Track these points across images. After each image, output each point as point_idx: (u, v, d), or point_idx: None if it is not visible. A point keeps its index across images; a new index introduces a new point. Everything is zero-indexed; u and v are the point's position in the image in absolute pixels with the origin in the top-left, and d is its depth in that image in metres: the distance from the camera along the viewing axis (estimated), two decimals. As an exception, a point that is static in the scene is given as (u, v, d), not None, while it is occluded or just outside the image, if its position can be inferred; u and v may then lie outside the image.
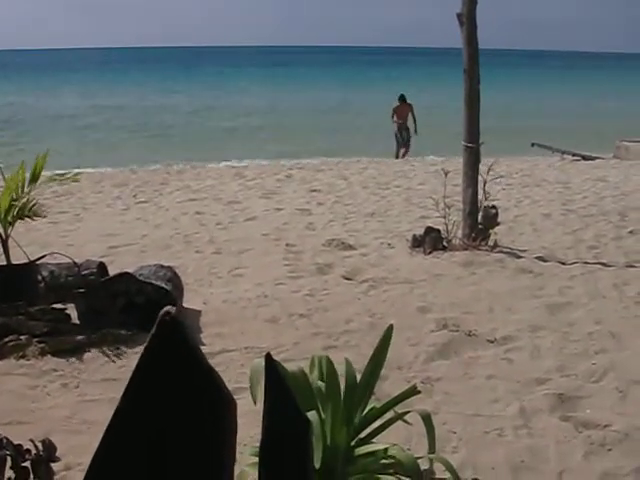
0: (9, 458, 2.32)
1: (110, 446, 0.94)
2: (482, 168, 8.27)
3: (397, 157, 19.15)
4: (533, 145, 18.20)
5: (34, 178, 5.85)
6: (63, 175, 6.42)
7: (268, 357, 1.07)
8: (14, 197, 5.80)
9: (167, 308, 0.95)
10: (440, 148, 17.62)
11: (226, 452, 1.00)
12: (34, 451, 2.44)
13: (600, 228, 9.27)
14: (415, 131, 19.07)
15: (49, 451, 2.49)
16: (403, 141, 19.28)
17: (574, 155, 17.32)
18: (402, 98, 19.31)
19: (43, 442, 2.52)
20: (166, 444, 0.94)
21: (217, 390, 0.96)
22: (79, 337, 5.22)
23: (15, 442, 2.40)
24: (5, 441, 2.34)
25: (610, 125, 22.53)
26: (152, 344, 0.95)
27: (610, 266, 7.44)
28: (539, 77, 60.23)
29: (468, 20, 8.04)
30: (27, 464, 2.39)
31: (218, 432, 0.96)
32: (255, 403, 2.74)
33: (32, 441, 2.51)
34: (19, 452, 2.37)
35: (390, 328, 3.26)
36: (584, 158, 17.11)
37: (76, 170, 7.43)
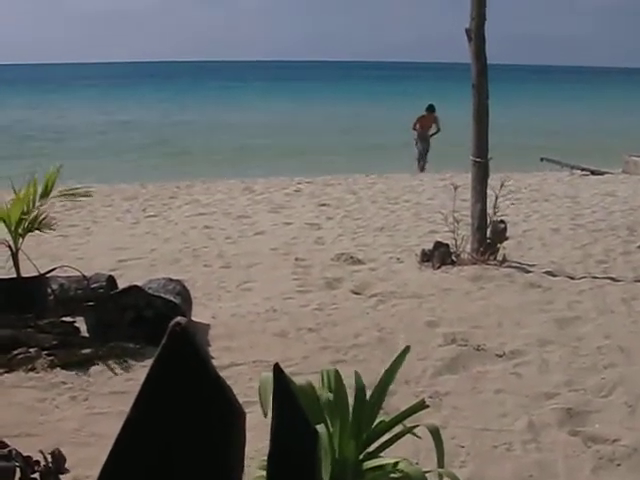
0: (18, 470, 2.33)
1: (119, 456, 0.95)
2: (491, 183, 8.28)
3: (418, 167, 18.93)
4: (542, 160, 18.18)
5: (46, 193, 5.89)
6: (75, 190, 6.45)
7: (276, 368, 1.08)
8: (25, 210, 5.84)
9: (178, 319, 0.96)
10: (449, 163, 17.63)
11: (235, 464, 1.00)
12: (43, 463, 2.45)
13: (609, 243, 9.25)
14: (431, 135, 18.87)
15: (58, 463, 2.50)
16: (421, 152, 19.07)
17: (583, 170, 17.29)
18: (431, 108, 19.07)
19: (52, 454, 2.53)
20: (175, 455, 0.95)
21: (227, 401, 0.97)
22: (88, 350, 5.24)
23: (24, 454, 2.41)
24: (15, 452, 2.35)
25: (619, 140, 22.48)
26: (162, 355, 0.96)
27: (619, 281, 7.43)
28: (547, 92, 60.24)
29: (476, 36, 8.08)
30: (36, 475, 2.40)
31: (227, 443, 0.97)
32: (265, 415, 2.74)
33: (42, 452, 2.52)
34: (28, 464, 2.38)
35: (406, 349, 3.26)
36: (593, 173, 17.08)
37: (82, 185, 7.44)
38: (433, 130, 18.89)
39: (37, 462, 2.44)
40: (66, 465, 2.77)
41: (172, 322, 0.97)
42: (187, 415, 0.96)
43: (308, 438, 1.09)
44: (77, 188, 6.64)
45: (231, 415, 0.98)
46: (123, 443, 0.95)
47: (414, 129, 19.12)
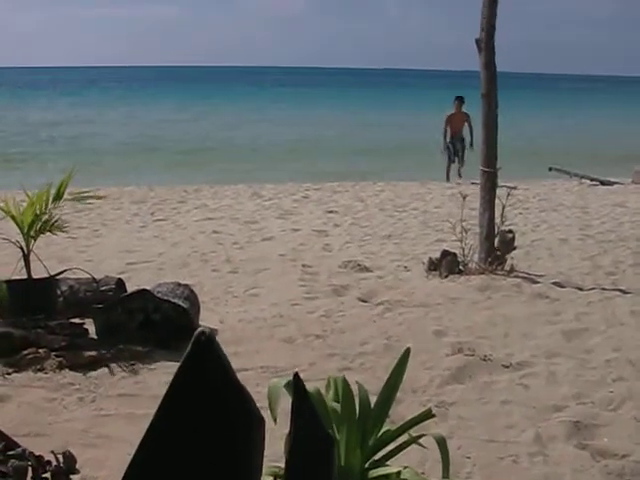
0: (30, 469, 2.36)
1: (143, 460, 0.97)
2: (499, 192, 8.29)
3: (448, 176, 17.40)
4: (551, 169, 18.16)
5: (58, 196, 5.93)
6: (86, 193, 6.48)
7: (296, 377, 1.10)
8: (37, 213, 5.88)
9: (202, 328, 0.98)
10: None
11: (255, 469, 1.02)
12: (54, 463, 2.47)
13: (618, 254, 9.23)
14: (471, 144, 16.66)
15: (69, 463, 2.52)
16: (456, 155, 17.37)
17: (592, 180, 17.26)
18: (459, 100, 17.31)
19: (63, 454, 2.55)
20: (198, 459, 0.97)
21: (248, 408, 0.99)
22: (96, 352, 5.26)
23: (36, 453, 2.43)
24: (27, 452, 2.37)
25: (628, 150, 22.45)
26: (187, 362, 0.97)
27: (628, 293, 7.41)
28: (556, 101, 60.12)
29: (486, 46, 8.10)
30: (47, 475, 2.42)
31: (248, 449, 0.99)
32: (275, 422, 2.75)
33: (53, 453, 2.54)
34: (40, 463, 2.40)
35: (407, 352, 3.26)
36: (602, 183, 17.05)
37: (92, 188, 7.49)
38: (466, 131, 17.14)
39: (49, 462, 2.46)
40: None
41: (197, 331, 0.99)
42: (210, 421, 0.98)
43: (326, 442, 1.10)
44: (88, 191, 6.67)
45: (252, 421, 1.00)
46: (147, 447, 0.97)
47: (445, 134, 17.43)
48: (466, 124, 17.21)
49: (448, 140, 17.39)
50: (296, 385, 1.10)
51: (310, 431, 1.10)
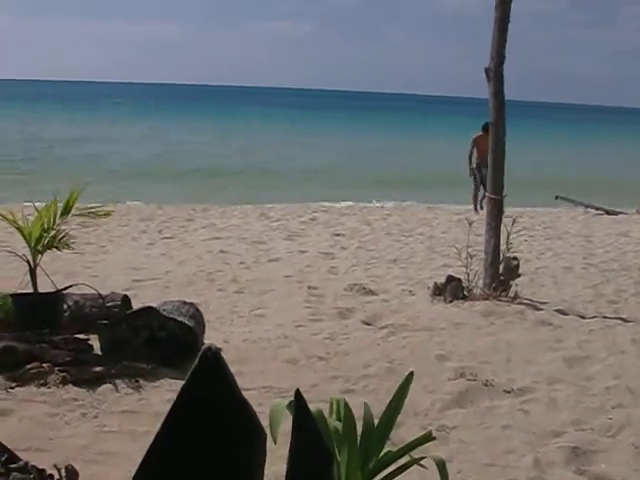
0: (33, 482, 2.39)
1: (148, 473, 1.01)
2: (505, 219, 8.33)
3: (476, 206, 16.06)
4: (557, 198, 18.21)
5: (66, 210, 5.98)
6: (95, 209, 6.52)
7: (298, 393, 1.14)
8: (45, 228, 5.93)
9: (209, 344, 1.02)
10: (463, 197, 17.65)
11: (257, 480, 1.06)
12: (57, 477, 2.50)
13: (621, 283, 9.26)
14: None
15: (71, 477, 2.55)
16: (482, 182, 15.34)
17: (597, 209, 17.33)
18: (486, 127, 14.75)
19: (66, 468, 2.58)
20: (202, 473, 1.01)
21: (252, 423, 1.03)
22: (100, 368, 5.28)
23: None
24: (30, 465, 2.41)
25: (634, 180, 22.48)
26: (193, 377, 1.02)
27: (630, 321, 7.43)
28: (563, 130, 60.26)
29: (495, 75, 8.18)
30: (50, 489, 2.45)
31: (252, 463, 1.03)
32: (275, 442, 2.78)
33: (56, 467, 2.57)
34: (42, 477, 2.43)
35: (410, 375, 3.30)
36: (607, 213, 17.10)
37: (98, 204, 7.53)
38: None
39: (51, 476, 2.49)
40: (77, 481, 2.83)
41: (204, 346, 1.03)
42: (214, 436, 1.01)
43: (324, 457, 1.14)
44: (97, 207, 6.70)
45: (255, 436, 1.04)
46: (151, 461, 1.01)
47: (470, 156, 16.18)
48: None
49: (474, 165, 16.12)
50: (297, 401, 1.14)
51: (310, 446, 1.14)
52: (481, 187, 15.72)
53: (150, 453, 1.03)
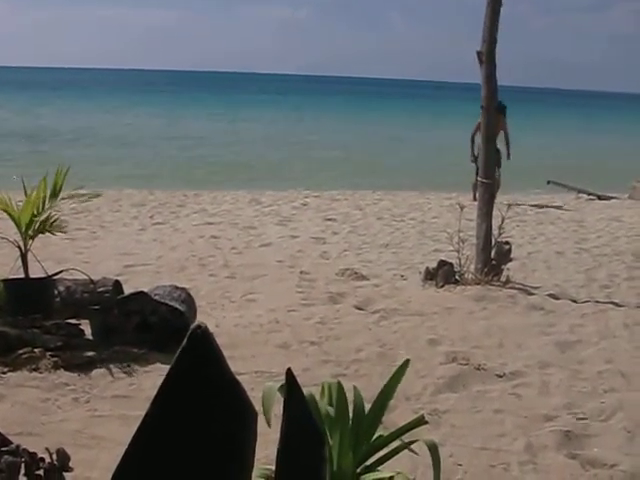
0: (23, 465, 2.37)
1: (136, 453, 0.99)
2: (497, 204, 8.33)
3: (475, 194, 12.07)
4: (549, 183, 18.21)
5: (54, 194, 5.94)
6: (84, 192, 6.49)
7: (289, 373, 1.13)
8: (35, 212, 5.90)
9: (198, 322, 1.00)
10: (454, 182, 17.59)
11: (248, 463, 1.05)
12: (48, 460, 2.49)
13: (613, 268, 9.28)
14: (508, 156, 14.62)
15: (63, 461, 2.54)
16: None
17: (590, 194, 17.34)
18: (500, 108, 12.18)
19: (57, 451, 2.57)
20: (191, 453, 0.99)
21: (242, 402, 1.01)
22: (92, 353, 5.28)
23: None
24: (21, 448, 2.39)
25: (626, 165, 22.50)
26: (183, 355, 1.00)
27: (622, 306, 7.45)
28: (556, 115, 60.26)
29: (487, 58, 8.14)
30: (41, 472, 2.44)
31: (242, 443, 1.01)
32: (269, 425, 2.77)
33: (47, 450, 2.56)
34: (33, 460, 2.42)
35: (406, 363, 3.29)
36: (599, 197, 17.12)
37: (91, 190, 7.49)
38: (502, 139, 13.60)
39: (42, 459, 2.48)
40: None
41: (193, 325, 1.01)
42: (204, 414, 1.00)
43: (316, 438, 1.13)
44: (85, 193, 6.66)
45: (246, 415, 1.03)
46: (140, 440, 0.99)
47: (472, 139, 14.24)
48: (503, 132, 14.16)
49: (476, 150, 12.32)
50: (288, 381, 1.12)
51: (301, 425, 1.12)
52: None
53: (139, 432, 1.02)
